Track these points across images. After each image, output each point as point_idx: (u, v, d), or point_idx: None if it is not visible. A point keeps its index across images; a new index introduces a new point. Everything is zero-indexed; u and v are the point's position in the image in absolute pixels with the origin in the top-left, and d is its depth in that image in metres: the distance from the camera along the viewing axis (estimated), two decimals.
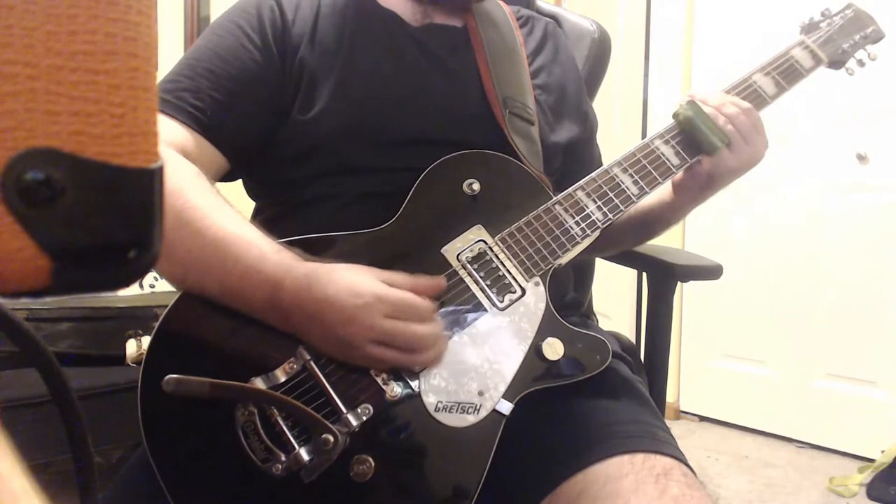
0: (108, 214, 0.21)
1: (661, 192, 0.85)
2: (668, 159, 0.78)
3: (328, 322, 0.60)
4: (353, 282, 0.61)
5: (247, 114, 0.74)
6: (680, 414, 2.50)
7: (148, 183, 0.22)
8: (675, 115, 0.79)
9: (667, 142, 0.79)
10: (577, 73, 0.94)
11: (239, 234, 0.62)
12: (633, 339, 1.08)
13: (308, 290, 0.60)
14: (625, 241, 0.97)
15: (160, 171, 0.22)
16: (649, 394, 0.77)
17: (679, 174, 0.80)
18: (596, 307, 1.13)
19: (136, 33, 0.21)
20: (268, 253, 0.62)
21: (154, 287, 1.65)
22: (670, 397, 2.44)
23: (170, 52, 2.65)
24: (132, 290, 1.52)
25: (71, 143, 0.20)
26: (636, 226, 0.91)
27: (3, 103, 0.19)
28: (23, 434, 1.12)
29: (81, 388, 1.24)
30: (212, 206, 0.64)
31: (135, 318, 1.38)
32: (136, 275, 0.22)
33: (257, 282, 0.61)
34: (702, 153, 0.78)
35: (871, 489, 1.87)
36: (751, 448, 2.22)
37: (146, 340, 1.37)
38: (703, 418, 2.46)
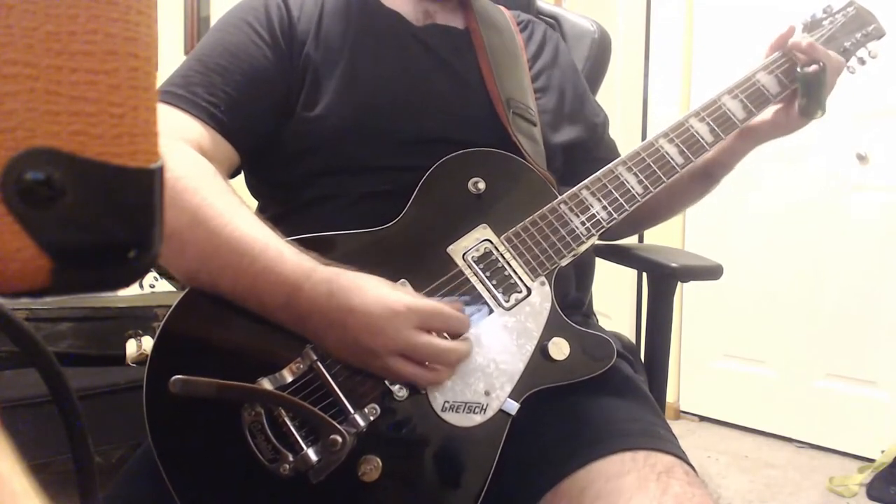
0: (108, 214, 0.21)
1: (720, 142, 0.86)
2: (672, 158, 0.78)
3: (350, 330, 0.60)
4: (382, 293, 0.61)
5: (259, 110, 0.74)
6: (680, 414, 2.50)
7: (148, 183, 0.22)
8: (799, 75, 0.83)
9: (702, 119, 0.80)
10: (576, 77, 0.94)
11: (256, 235, 0.62)
12: (633, 339, 1.08)
13: (329, 297, 0.60)
14: (689, 197, 0.96)
15: (160, 170, 0.22)
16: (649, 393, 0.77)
17: (770, 115, 0.85)
18: (596, 307, 1.13)
19: (136, 33, 0.21)
20: (286, 255, 0.61)
21: (154, 287, 1.65)
22: (670, 397, 2.44)
23: (170, 52, 2.65)
24: (132, 290, 1.52)
25: (71, 143, 0.20)
26: (699, 179, 0.91)
27: (3, 103, 0.19)
28: (23, 434, 1.12)
29: (81, 388, 1.24)
30: (228, 207, 0.63)
31: (135, 318, 1.38)
32: (136, 275, 0.22)
33: (274, 284, 0.60)
34: (805, 112, 0.83)
35: (871, 489, 1.87)
36: (751, 448, 2.22)
37: (146, 340, 1.38)
38: (703, 418, 2.46)
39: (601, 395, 0.69)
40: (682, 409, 2.50)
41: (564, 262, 0.72)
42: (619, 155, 0.84)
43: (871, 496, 1.85)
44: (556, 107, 0.88)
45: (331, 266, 0.62)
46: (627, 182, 0.76)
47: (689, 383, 2.48)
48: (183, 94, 0.70)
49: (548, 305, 0.69)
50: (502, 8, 0.93)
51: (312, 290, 0.60)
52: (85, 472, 0.33)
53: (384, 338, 0.59)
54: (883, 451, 1.92)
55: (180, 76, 0.72)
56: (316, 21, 0.78)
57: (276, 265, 0.61)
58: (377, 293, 0.60)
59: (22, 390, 1.16)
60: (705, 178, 0.92)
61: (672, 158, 0.78)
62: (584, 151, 0.91)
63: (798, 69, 0.83)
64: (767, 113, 0.85)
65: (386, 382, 0.62)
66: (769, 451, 2.19)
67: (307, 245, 0.65)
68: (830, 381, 2.16)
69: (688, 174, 0.86)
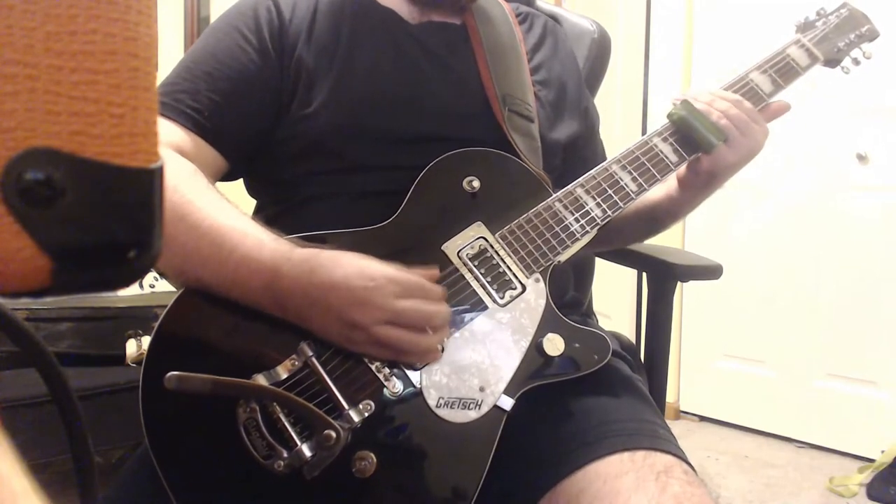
0: (108, 214, 0.21)
1: (669, 187, 0.85)
2: (666, 157, 0.78)
3: (334, 306, 0.60)
4: (361, 265, 0.61)
5: (244, 114, 0.74)
6: (680, 414, 2.50)
7: (148, 183, 0.22)
8: (669, 116, 0.80)
9: (665, 139, 0.79)
10: (576, 70, 0.94)
11: (235, 225, 0.63)
12: (633, 339, 1.08)
13: (310, 275, 0.60)
14: (633, 234, 0.97)
15: (160, 170, 0.22)
16: (649, 393, 0.77)
17: (683, 170, 0.81)
18: (596, 307, 1.13)
19: (136, 33, 0.21)
20: (265, 241, 0.62)
21: (154, 287, 1.65)
22: (670, 397, 2.44)
23: (170, 52, 2.64)
24: (132, 290, 1.52)
25: (71, 143, 0.20)
26: (645, 220, 0.91)
27: (3, 103, 0.19)
28: (23, 434, 1.12)
29: (81, 388, 1.24)
30: (207, 200, 0.64)
31: (135, 318, 1.38)
32: (136, 275, 0.22)
33: (255, 269, 0.61)
34: (699, 151, 0.78)
35: (871, 489, 1.87)
36: (751, 448, 2.22)
37: (146, 340, 1.37)
38: (703, 418, 2.46)
39: (599, 395, 0.69)
40: (682, 409, 2.50)
41: (559, 259, 0.72)
42: (605, 158, 0.84)
43: (871, 496, 1.85)
44: (557, 100, 0.88)
45: (307, 247, 0.63)
46: (622, 180, 0.76)
47: (689, 383, 2.48)
48: (167, 100, 0.71)
49: (542, 302, 0.69)
50: (501, 0, 0.93)
51: (292, 270, 0.61)
52: (85, 472, 0.33)
53: (369, 308, 0.60)
54: (883, 451, 1.92)
55: (167, 83, 0.74)
56: (309, 22, 0.78)
57: (255, 251, 0.61)
58: (356, 266, 0.61)
59: (22, 390, 1.16)
60: (650, 221, 0.91)
61: (666, 157, 0.78)
62: (579, 148, 0.91)
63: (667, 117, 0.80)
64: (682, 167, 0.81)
65: (381, 378, 0.62)
66: (769, 451, 2.19)
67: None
68: (830, 381, 2.16)
69: (633, 211, 0.85)
